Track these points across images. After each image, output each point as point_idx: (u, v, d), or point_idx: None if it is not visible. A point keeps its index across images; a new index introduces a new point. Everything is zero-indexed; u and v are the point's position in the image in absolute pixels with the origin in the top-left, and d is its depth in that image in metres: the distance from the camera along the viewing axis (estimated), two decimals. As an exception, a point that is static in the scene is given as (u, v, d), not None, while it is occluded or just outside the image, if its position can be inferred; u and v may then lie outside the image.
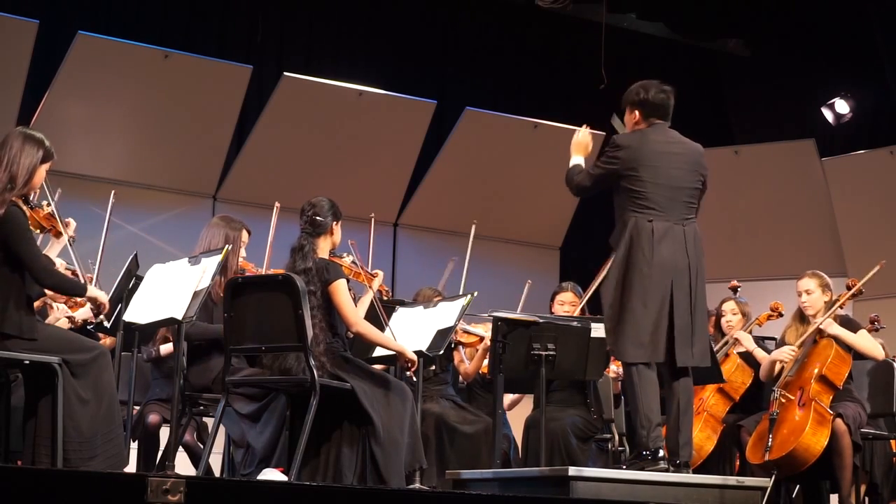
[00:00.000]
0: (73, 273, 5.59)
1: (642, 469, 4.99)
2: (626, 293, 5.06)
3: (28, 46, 8.83)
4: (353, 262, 5.76)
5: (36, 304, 5.12)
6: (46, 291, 5.45)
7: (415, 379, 5.88)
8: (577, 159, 5.49)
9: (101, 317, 5.63)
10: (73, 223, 5.33)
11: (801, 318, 6.42)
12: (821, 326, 6.22)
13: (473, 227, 7.55)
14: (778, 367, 6.34)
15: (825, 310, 6.30)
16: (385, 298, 6.29)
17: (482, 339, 6.51)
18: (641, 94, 5.26)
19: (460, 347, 6.74)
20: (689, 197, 5.21)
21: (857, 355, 6.31)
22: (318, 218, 5.42)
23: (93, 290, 5.00)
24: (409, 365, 5.57)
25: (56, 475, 3.54)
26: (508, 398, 7.35)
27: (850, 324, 6.36)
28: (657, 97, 5.24)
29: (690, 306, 5.09)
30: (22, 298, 4.69)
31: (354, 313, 5.37)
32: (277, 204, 6.80)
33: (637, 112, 5.28)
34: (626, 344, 5.07)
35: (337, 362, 5.26)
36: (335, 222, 5.47)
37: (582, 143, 5.54)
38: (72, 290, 5.00)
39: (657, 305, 5.04)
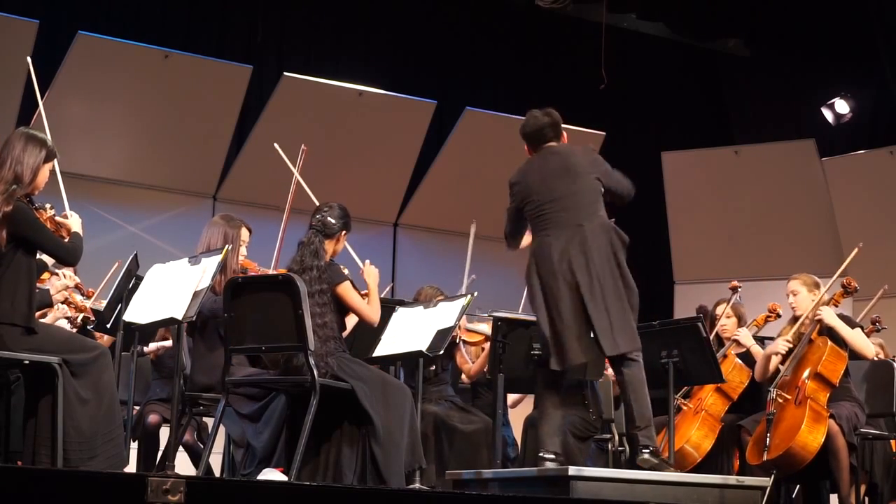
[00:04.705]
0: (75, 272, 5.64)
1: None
2: (552, 309, 5.14)
3: (28, 46, 8.83)
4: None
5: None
6: (56, 299, 5.52)
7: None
8: None
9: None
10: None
11: (795, 318, 6.42)
12: (819, 314, 6.22)
13: (473, 227, 7.56)
14: (773, 362, 6.33)
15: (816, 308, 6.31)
16: None
17: (487, 337, 6.48)
18: (521, 129, 5.61)
19: (462, 346, 6.73)
20: (582, 198, 5.30)
21: (853, 354, 6.31)
22: (330, 220, 5.45)
23: None
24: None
25: (56, 475, 3.54)
26: (512, 397, 7.34)
27: (847, 321, 6.35)
28: (527, 129, 5.58)
29: (602, 299, 5.11)
30: (32, 293, 4.70)
31: (370, 310, 5.46)
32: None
33: (525, 146, 5.63)
34: (570, 352, 5.10)
35: (339, 362, 5.27)
36: (343, 231, 5.50)
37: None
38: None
39: (573, 311, 5.11)
